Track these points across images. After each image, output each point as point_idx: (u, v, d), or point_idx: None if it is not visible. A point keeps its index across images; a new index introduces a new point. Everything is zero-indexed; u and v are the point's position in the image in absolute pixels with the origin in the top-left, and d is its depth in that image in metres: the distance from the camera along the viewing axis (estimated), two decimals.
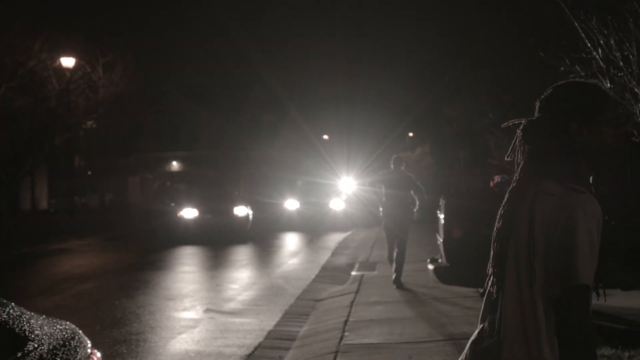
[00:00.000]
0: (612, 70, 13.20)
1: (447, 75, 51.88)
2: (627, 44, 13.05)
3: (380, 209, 16.31)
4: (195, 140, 64.50)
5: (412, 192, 15.82)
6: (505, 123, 3.39)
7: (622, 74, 13.09)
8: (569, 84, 3.28)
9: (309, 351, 10.13)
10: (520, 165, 3.22)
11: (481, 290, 13.09)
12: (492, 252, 3.23)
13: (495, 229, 3.24)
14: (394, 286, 15.23)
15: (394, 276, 15.53)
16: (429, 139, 67.64)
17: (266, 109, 68.43)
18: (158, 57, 56.98)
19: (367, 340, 10.24)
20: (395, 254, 15.70)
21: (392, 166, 16.20)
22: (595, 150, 3.12)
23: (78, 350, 3.76)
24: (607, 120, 3.14)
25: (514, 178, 3.24)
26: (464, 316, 11.50)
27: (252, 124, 65.52)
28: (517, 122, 3.28)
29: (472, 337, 3.30)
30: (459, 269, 14.83)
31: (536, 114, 3.25)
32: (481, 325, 3.27)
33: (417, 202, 15.82)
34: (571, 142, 3.13)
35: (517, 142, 3.25)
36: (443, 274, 15.84)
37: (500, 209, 3.23)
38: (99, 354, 3.98)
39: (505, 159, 3.29)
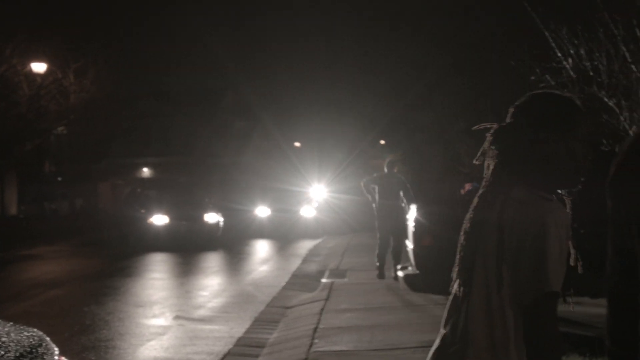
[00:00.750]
0: (582, 80, 13.31)
1: (419, 83, 52.04)
2: (597, 54, 13.15)
3: (375, 213, 17.50)
4: (166, 147, 64.24)
5: (401, 193, 16.77)
6: (477, 126, 3.41)
7: (592, 87, 13.20)
8: (545, 94, 3.30)
9: (278, 358, 10.12)
10: (490, 171, 3.23)
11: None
12: (458, 257, 3.23)
13: (462, 232, 3.24)
14: (395, 278, 16.76)
15: (391, 270, 17.21)
16: (401, 146, 67.73)
17: (238, 116, 68.26)
18: (130, 62, 56.77)
19: (336, 348, 10.24)
20: (391, 249, 17.43)
21: (385, 170, 17.32)
22: (561, 160, 3.14)
23: (45, 357, 3.73)
24: (577, 134, 3.16)
25: (483, 183, 3.25)
26: (433, 323, 11.49)
27: (224, 131, 65.39)
28: (488, 126, 3.30)
29: (435, 345, 3.30)
30: (428, 276, 14.87)
31: (508, 120, 3.26)
32: (443, 332, 3.27)
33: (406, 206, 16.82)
34: (539, 150, 3.13)
35: (486, 146, 3.27)
36: (413, 281, 15.87)
37: (469, 213, 3.24)
38: None
39: (474, 162, 3.31)
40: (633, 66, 12.47)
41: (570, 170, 3.15)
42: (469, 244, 3.19)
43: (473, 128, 3.54)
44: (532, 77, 13.76)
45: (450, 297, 3.29)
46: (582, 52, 13.16)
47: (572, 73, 13.28)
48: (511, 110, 3.28)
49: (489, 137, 3.25)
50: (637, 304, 1.81)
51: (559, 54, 13.37)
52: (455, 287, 3.24)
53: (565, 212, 3.06)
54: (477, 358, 3.07)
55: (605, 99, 13.01)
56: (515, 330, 3.03)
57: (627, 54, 12.56)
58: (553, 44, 13.39)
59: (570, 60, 13.27)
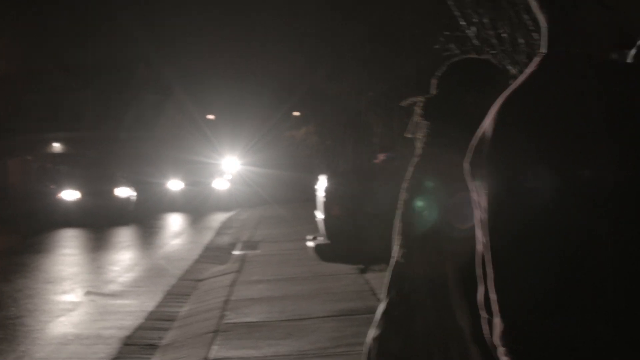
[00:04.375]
0: (485, 48, 13.44)
1: (333, 54, 52.11)
2: (501, 23, 13.29)
3: None
4: (76, 121, 63.32)
5: None
6: (404, 102, 3.49)
7: (495, 52, 13.35)
8: (464, 60, 3.42)
9: (189, 331, 10.12)
10: (423, 141, 3.31)
11: (362, 266, 13.27)
12: (400, 225, 3.33)
13: (402, 201, 3.35)
14: None
15: None
16: (314, 117, 67.71)
17: (150, 89, 67.57)
18: (39, 36, 55.60)
19: (247, 319, 10.27)
20: None
21: None
22: None
23: None
24: (500, 91, 3.25)
25: (417, 153, 3.33)
26: (344, 293, 11.61)
27: (135, 104, 64.68)
28: (414, 100, 3.37)
29: (381, 309, 3.41)
30: (339, 246, 14.97)
31: (433, 91, 3.32)
32: (389, 296, 3.37)
33: None
34: (468, 114, 3.21)
35: (416, 119, 3.34)
36: (323, 251, 15.96)
37: (405, 182, 3.33)
38: None
39: (405, 135, 3.39)
40: (535, 34, 12.64)
41: None
42: (408, 211, 3.29)
43: (401, 104, 3.64)
44: (436, 46, 13.87)
45: (391, 264, 3.38)
46: (486, 20, 13.30)
47: (476, 41, 13.42)
48: (434, 81, 3.38)
49: (417, 110, 3.32)
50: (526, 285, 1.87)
51: (463, 22, 13.50)
52: (397, 253, 3.33)
53: None
54: (423, 317, 3.20)
55: (509, 67, 13.19)
56: (457, 289, 3.13)
57: (529, 22, 12.72)
58: (456, 13, 13.51)
59: (474, 28, 13.40)
